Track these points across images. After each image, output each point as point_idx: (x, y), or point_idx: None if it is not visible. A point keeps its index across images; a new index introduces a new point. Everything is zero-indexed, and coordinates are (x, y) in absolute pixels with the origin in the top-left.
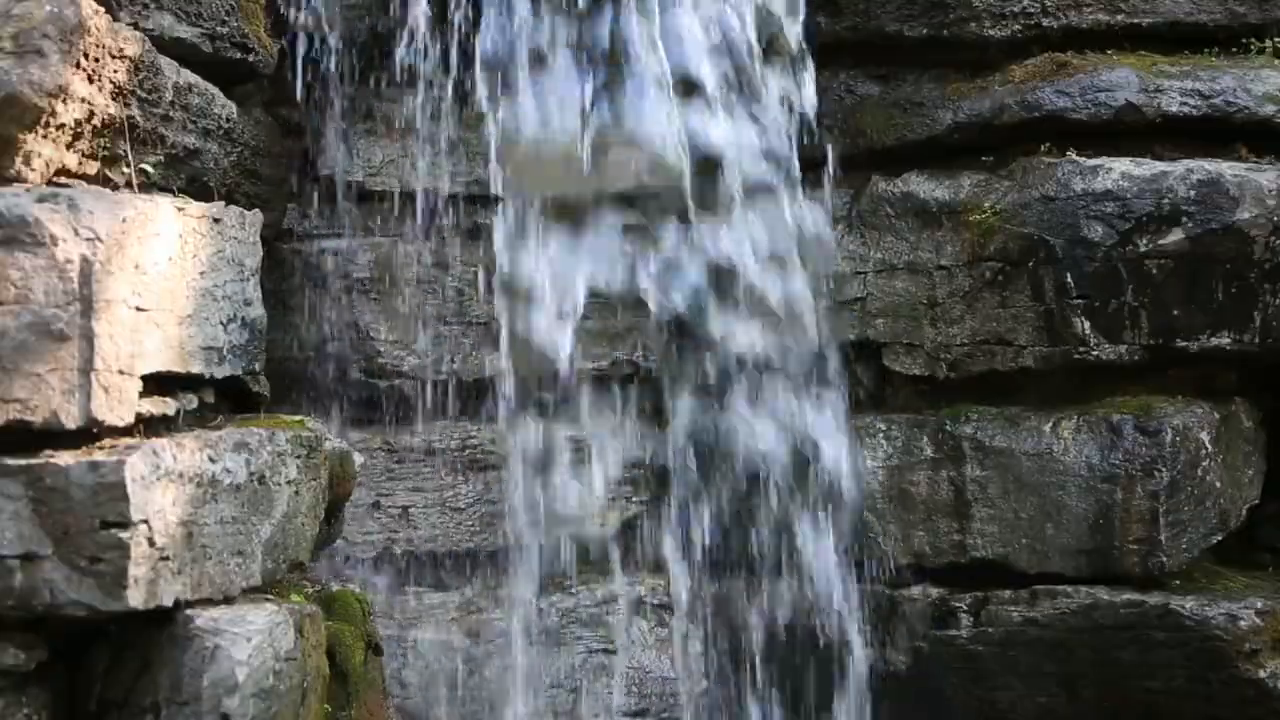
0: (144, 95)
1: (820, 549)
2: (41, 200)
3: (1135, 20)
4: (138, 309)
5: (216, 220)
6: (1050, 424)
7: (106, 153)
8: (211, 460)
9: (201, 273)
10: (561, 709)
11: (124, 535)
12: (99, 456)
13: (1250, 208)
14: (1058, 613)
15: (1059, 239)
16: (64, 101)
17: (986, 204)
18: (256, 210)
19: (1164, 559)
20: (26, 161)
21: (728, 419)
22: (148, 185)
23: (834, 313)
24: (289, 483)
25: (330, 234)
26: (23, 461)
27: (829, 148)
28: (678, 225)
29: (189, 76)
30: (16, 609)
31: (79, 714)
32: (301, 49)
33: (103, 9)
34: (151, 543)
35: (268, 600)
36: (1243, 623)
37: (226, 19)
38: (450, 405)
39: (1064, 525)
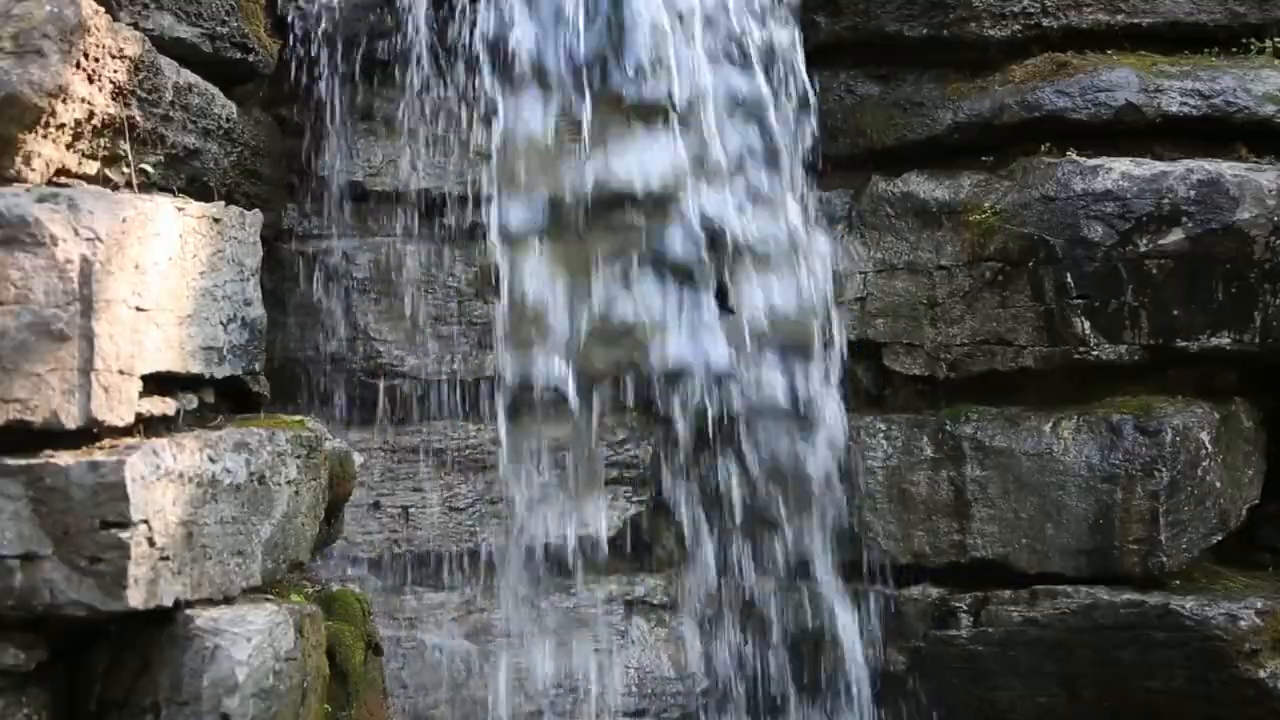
0: (144, 95)
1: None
2: (41, 200)
3: (1135, 20)
4: (138, 309)
5: (216, 220)
6: (1050, 424)
7: (106, 153)
8: (211, 460)
9: (201, 273)
10: (561, 709)
11: (124, 535)
12: (99, 456)
13: (1250, 208)
14: (1058, 613)
15: (1059, 239)
16: (64, 101)
17: (986, 204)
18: (256, 210)
19: (1164, 559)
20: (26, 161)
21: None
22: (148, 185)
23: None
24: (289, 483)
25: (330, 234)
26: (23, 461)
27: None
28: None
29: (189, 76)
30: (16, 609)
31: (79, 714)
32: (302, 49)
33: (103, 9)
34: (151, 543)
35: (268, 600)
36: (1243, 623)
37: (226, 19)
38: (450, 405)
39: (1064, 525)
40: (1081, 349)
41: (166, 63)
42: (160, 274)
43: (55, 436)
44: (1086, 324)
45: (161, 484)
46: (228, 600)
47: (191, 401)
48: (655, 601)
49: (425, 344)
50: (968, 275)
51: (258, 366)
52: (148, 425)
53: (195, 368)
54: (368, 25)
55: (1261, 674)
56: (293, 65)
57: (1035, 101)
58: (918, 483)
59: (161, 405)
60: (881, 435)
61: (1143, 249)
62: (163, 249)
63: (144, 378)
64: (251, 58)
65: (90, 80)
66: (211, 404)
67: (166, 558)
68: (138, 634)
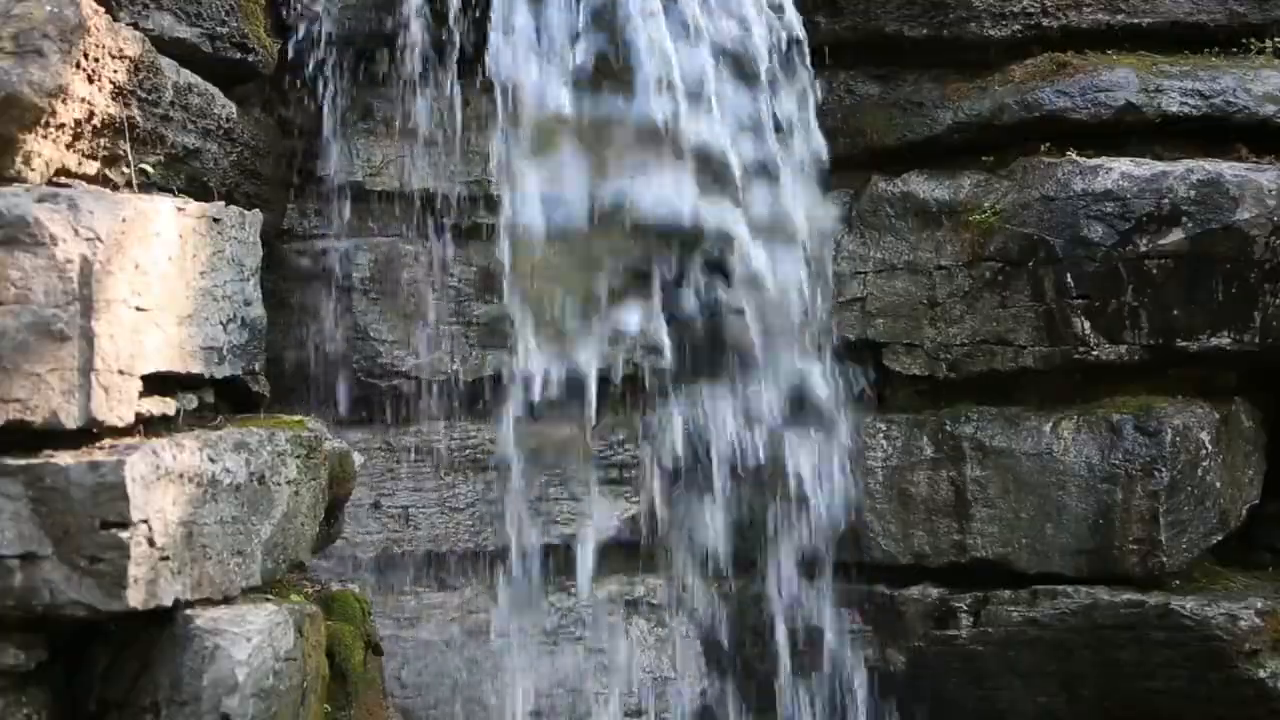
0: (144, 95)
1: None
2: (41, 200)
3: (1135, 20)
4: (138, 309)
5: (216, 220)
6: (1050, 424)
7: (106, 153)
8: (211, 460)
9: (201, 273)
10: (561, 709)
11: (124, 535)
12: (99, 456)
13: (1250, 208)
14: (1058, 613)
15: (1059, 239)
16: (64, 101)
17: (986, 204)
18: (256, 210)
19: (1164, 559)
20: (26, 161)
21: None
22: (148, 185)
23: (834, 312)
24: (289, 483)
25: (330, 234)
26: (23, 461)
27: None
28: None
29: (189, 76)
30: (16, 609)
31: (79, 714)
32: (301, 49)
33: (103, 9)
34: (151, 543)
35: (268, 600)
36: (1243, 623)
37: (226, 19)
38: (450, 405)
39: (1064, 525)
40: (1081, 349)
41: (166, 63)
42: (160, 274)
43: (55, 436)
44: (1086, 324)
45: (161, 484)
46: (228, 600)
47: (191, 401)
48: (655, 601)
49: (425, 344)
50: (968, 275)
51: (258, 366)
52: (148, 425)
53: (195, 368)
54: (367, 25)
55: (1261, 674)
56: (293, 65)
57: (1035, 101)
58: (918, 483)
59: (161, 405)
60: (881, 435)
61: (1143, 249)
62: (163, 249)
63: (144, 378)
64: (251, 58)
65: (90, 80)
66: (211, 404)
67: (166, 558)
68: (137, 634)
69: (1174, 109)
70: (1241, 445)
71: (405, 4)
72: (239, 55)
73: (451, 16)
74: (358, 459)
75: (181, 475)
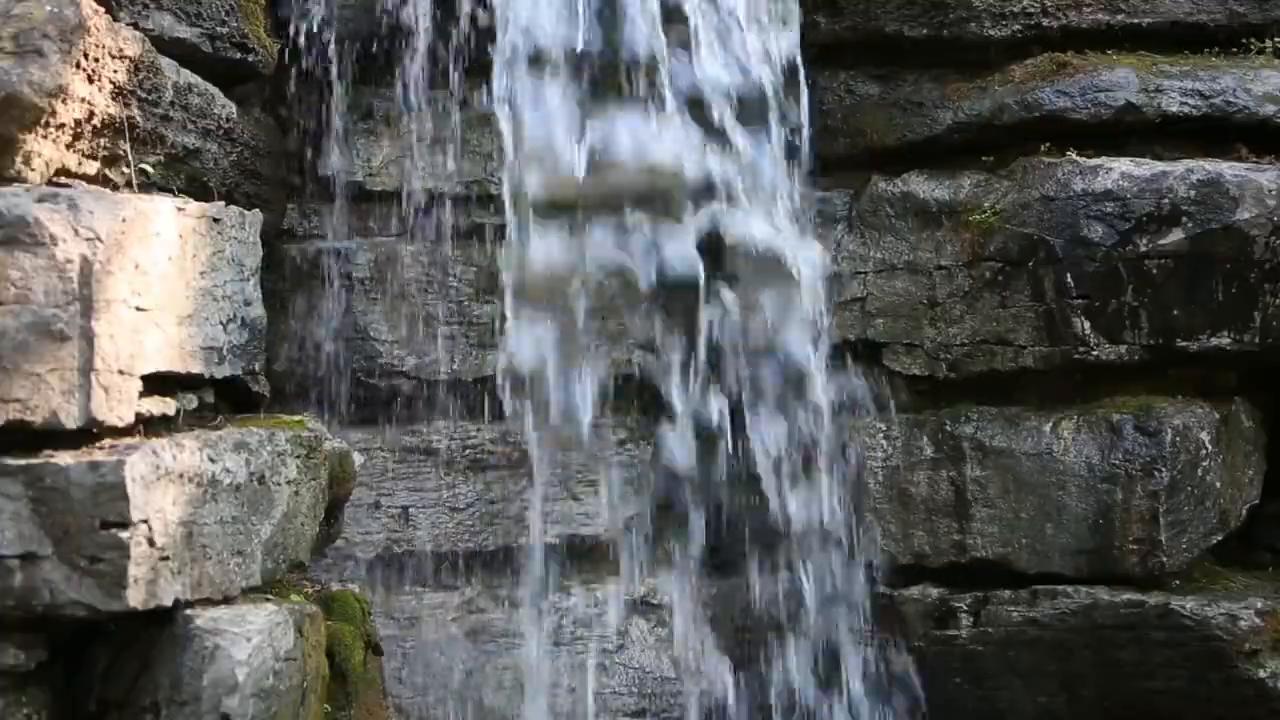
0: (144, 95)
1: None
2: (41, 200)
3: (1135, 20)
4: (138, 309)
5: (216, 220)
6: (1050, 424)
7: (106, 153)
8: (211, 460)
9: (201, 273)
10: (561, 709)
11: (124, 535)
12: (99, 456)
13: (1250, 208)
14: (1058, 613)
15: (1059, 239)
16: (64, 101)
17: (986, 204)
18: (256, 210)
19: (1164, 559)
20: (26, 161)
21: None
22: (148, 185)
23: (833, 311)
24: (289, 483)
25: (330, 234)
26: (23, 461)
27: None
28: None
29: (189, 76)
30: (16, 609)
31: (79, 714)
32: (301, 48)
33: (103, 9)
34: (151, 543)
35: (268, 600)
36: (1243, 623)
37: (226, 19)
38: (450, 405)
39: (1064, 525)
40: (1081, 349)
41: (166, 63)
42: (160, 274)
43: (55, 436)
44: (1086, 324)
45: (161, 484)
46: (228, 600)
47: (191, 401)
48: (655, 601)
49: (425, 344)
50: (968, 275)
51: (258, 366)
52: (148, 425)
53: (195, 368)
54: (368, 25)
55: (1261, 674)
56: (293, 65)
57: (1035, 101)
58: (918, 483)
59: (161, 405)
60: (881, 435)
61: (1143, 249)
62: (163, 249)
63: (144, 378)
64: (251, 58)
65: (90, 80)
66: (211, 404)
67: (166, 558)
68: (137, 634)
69: (1174, 109)
70: (1241, 445)
71: (406, 3)
72: (239, 55)
73: (453, 15)
74: (358, 459)
75: (181, 475)
